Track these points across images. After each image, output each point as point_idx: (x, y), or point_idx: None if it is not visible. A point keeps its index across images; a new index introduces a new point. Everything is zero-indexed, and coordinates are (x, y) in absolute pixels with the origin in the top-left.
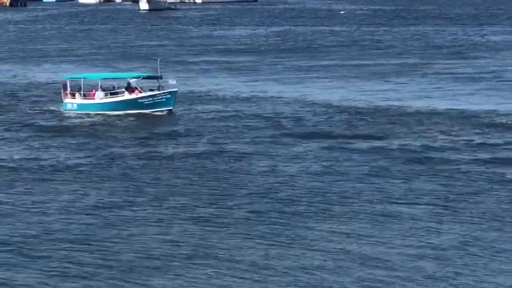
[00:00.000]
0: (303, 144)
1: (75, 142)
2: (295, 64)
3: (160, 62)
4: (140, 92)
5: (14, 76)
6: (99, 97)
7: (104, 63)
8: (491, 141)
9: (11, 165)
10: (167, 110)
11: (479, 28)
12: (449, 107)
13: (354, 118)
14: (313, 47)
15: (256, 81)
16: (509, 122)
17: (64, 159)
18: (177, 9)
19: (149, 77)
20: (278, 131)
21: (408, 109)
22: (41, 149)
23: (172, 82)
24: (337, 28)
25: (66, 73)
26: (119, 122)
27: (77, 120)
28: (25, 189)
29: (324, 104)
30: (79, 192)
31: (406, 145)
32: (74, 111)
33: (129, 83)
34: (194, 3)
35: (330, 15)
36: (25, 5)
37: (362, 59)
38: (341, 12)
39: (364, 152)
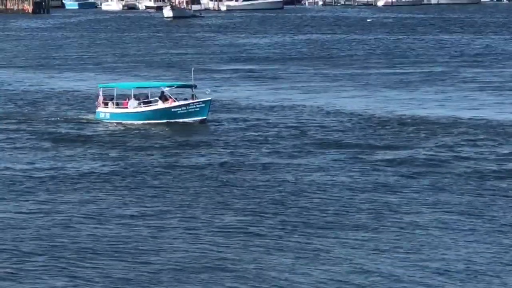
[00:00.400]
0: (329, 154)
1: (104, 151)
2: (321, 72)
3: (193, 70)
4: (174, 101)
5: (39, 84)
6: (132, 106)
7: (128, 71)
8: None
9: (39, 174)
10: (201, 119)
11: (509, 37)
12: (476, 116)
13: (379, 128)
14: (339, 55)
15: (281, 89)
16: None
17: (92, 168)
18: (202, 16)
19: (183, 86)
20: (303, 141)
21: (434, 119)
22: (68, 158)
23: (207, 91)
24: (363, 37)
25: (92, 82)
26: (151, 131)
27: (108, 129)
28: (53, 198)
29: (349, 114)
30: (106, 201)
31: (432, 155)
32: (107, 120)
33: (162, 92)
34: (219, 10)
35: (357, 23)
36: (48, 12)
37: (388, 68)
38: (368, 20)
39: (390, 162)
